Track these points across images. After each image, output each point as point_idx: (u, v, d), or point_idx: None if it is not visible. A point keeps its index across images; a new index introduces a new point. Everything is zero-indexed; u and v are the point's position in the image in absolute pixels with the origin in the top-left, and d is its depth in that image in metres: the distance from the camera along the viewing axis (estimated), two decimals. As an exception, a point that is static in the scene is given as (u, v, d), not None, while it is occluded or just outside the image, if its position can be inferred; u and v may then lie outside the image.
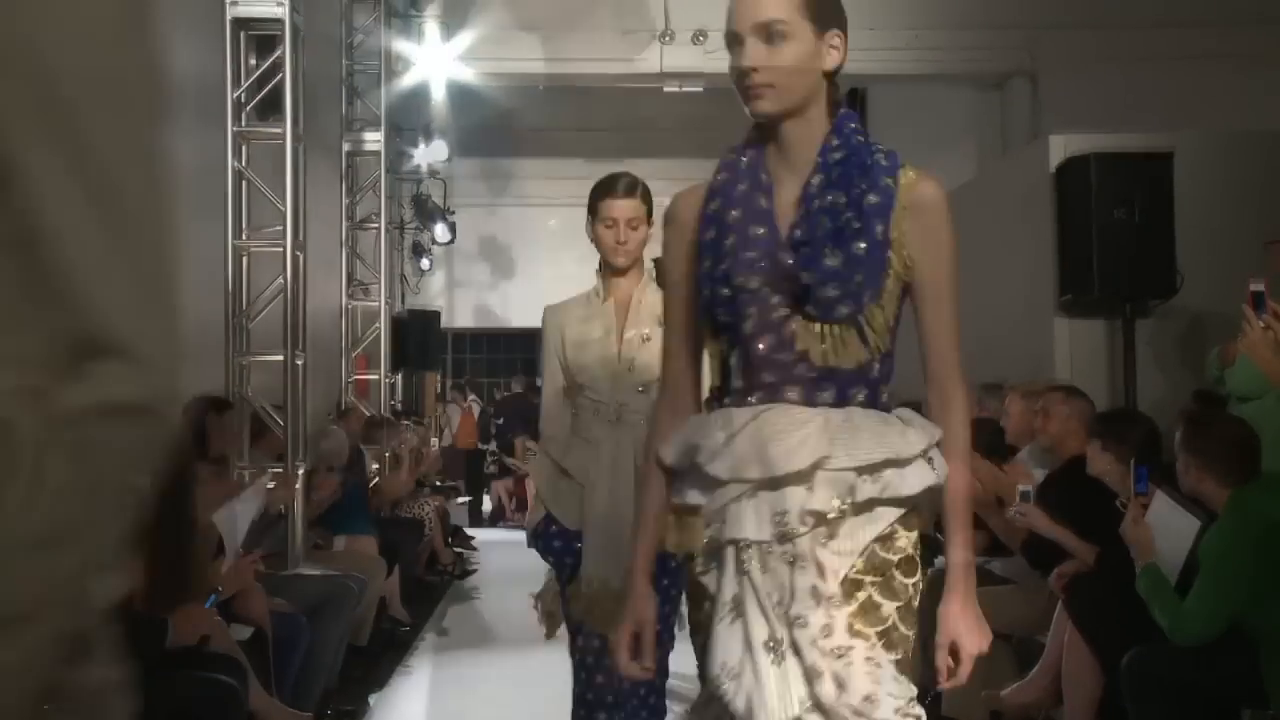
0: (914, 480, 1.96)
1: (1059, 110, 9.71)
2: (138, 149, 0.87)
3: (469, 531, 11.37)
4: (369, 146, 10.01)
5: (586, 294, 3.38)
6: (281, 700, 4.38)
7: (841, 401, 1.98)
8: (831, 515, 1.93)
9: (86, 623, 0.88)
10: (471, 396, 16.11)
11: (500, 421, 14.60)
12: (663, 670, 3.28)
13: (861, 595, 1.95)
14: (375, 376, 10.19)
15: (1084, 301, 6.32)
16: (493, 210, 16.63)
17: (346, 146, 9.91)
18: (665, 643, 3.26)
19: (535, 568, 3.56)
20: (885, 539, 1.97)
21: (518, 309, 16.15)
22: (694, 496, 2.02)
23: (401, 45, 10.55)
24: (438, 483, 10.79)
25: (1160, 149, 6.21)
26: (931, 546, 4.80)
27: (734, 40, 1.99)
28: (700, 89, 10.20)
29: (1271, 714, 3.57)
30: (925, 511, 2.04)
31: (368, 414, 8.89)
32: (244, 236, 6.06)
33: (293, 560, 5.69)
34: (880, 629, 1.95)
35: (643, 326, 3.25)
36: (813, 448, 1.92)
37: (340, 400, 9.65)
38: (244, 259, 6.08)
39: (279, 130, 5.95)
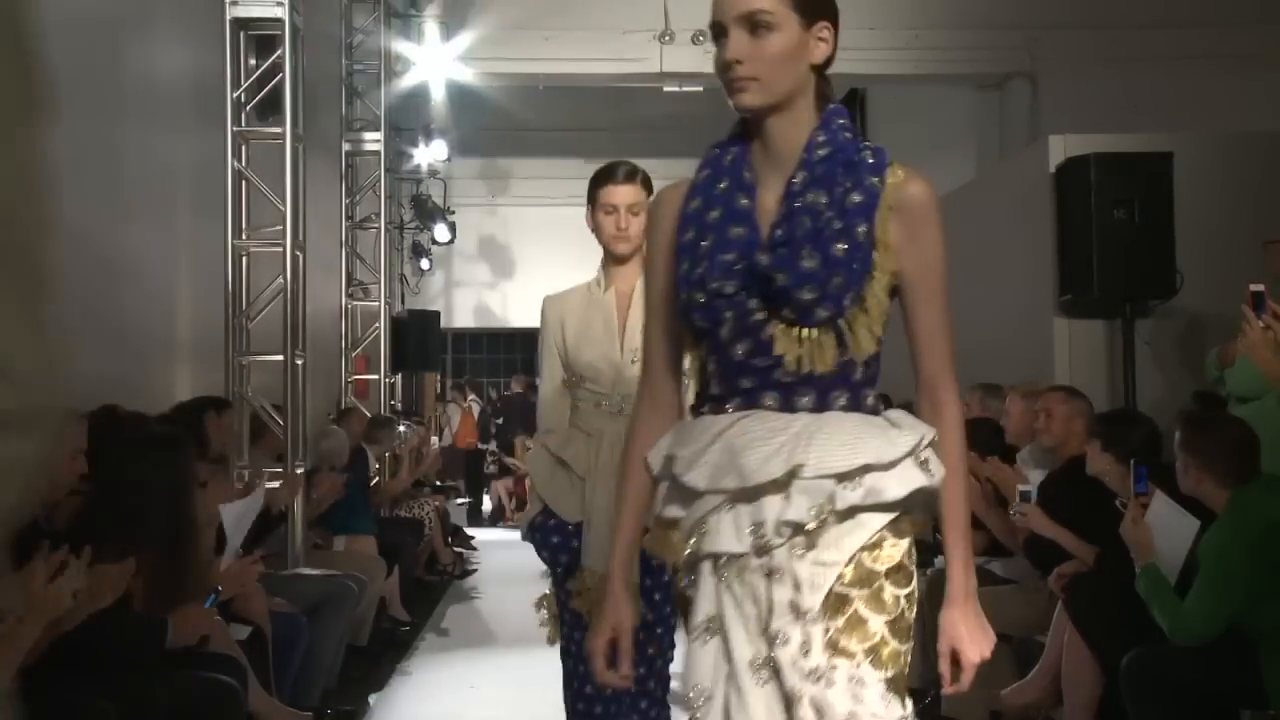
0: (899, 484, 1.87)
1: (1059, 110, 9.71)
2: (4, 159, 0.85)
3: (469, 531, 11.37)
4: (369, 146, 10.02)
5: (587, 284, 3.30)
6: (281, 700, 4.38)
7: (822, 407, 1.91)
8: (811, 525, 1.85)
9: None
10: (471, 396, 16.12)
11: (500, 421, 14.61)
12: (664, 680, 3.23)
13: (848, 610, 1.86)
14: (375, 377, 10.19)
15: (1084, 302, 6.32)
16: (492, 210, 16.63)
17: (346, 146, 9.92)
18: (666, 649, 3.23)
19: (535, 568, 3.56)
20: (873, 548, 1.87)
21: (517, 309, 16.16)
22: (673, 509, 1.96)
23: (401, 45, 10.55)
24: (438, 483, 10.78)
25: (1160, 149, 6.21)
26: (932, 548, 4.78)
27: (717, 31, 1.93)
28: (700, 89, 10.20)
29: (1271, 714, 3.58)
30: (920, 516, 1.95)
31: (368, 415, 8.88)
32: (244, 236, 6.06)
33: (293, 560, 5.70)
34: (868, 645, 1.85)
35: (645, 317, 3.20)
36: (786, 456, 1.84)
37: (340, 400, 9.65)
38: (244, 259, 6.09)
39: (279, 130, 5.95)
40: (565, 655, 3.30)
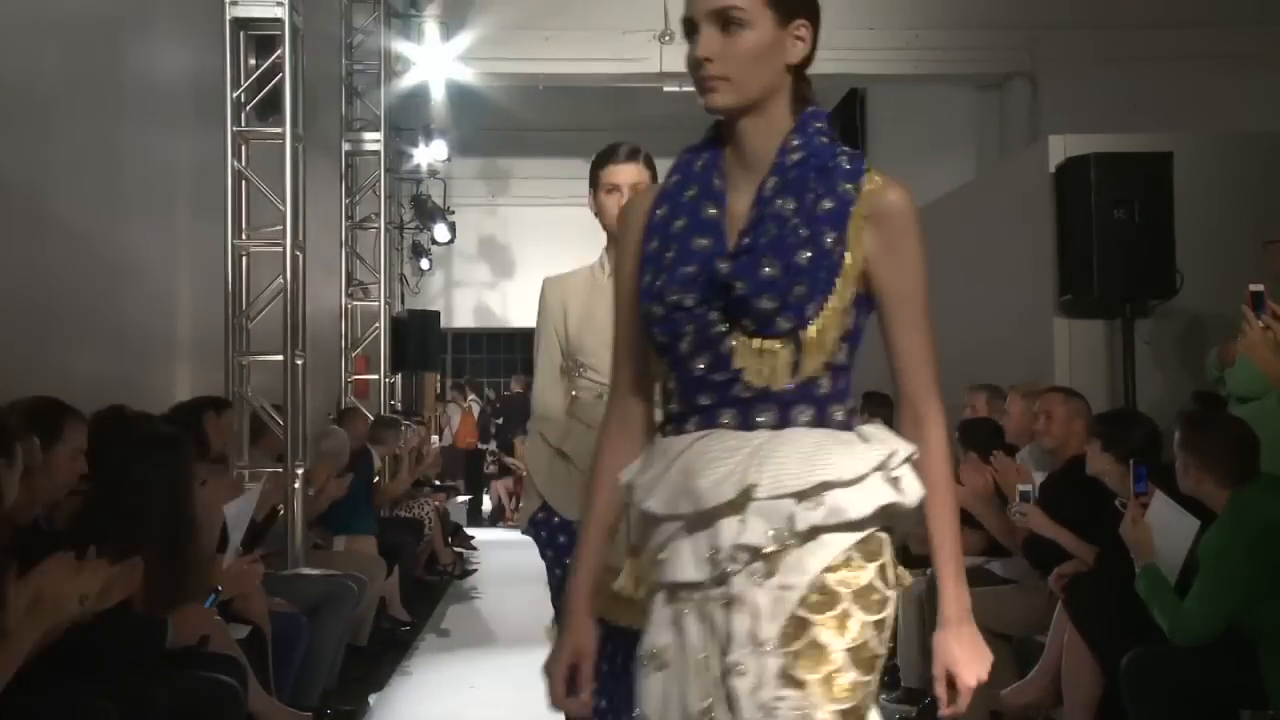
0: (864, 501, 1.76)
1: (1059, 110, 9.72)
2: None
3: (469, 531, 11.38)
4: (369, 146, 10.03)
5: (590, 267, 3.20)
6: (281, 700, 4.38)
7: (783, 423, 1.79)
8: (769, 549, 1.74)
9: None
10: (471, 396, 16.12)
11: (500, 421, 14.62)
12: None
13: (805, 635, 1.74)
14: (375, 377, 10.20)
15: (1084, 301, 6.32)
16: (492, 210, 16.64)
17: (346, 146, 9.92)
18: None
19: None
20: (837, 568, 1.76)
21: (517, 309, 16.16)
22: (638, 538, 1.88)
23: (401, 45, 10.56)
24: (437, 482, 10.79)
25: (1160, 149, 6.21)
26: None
27: (689, 27, 1.84)
28: (700, 89, 10.19)
29: (1271, 714, 3.57)
30: (895, 534, 1.84)
31: (369, 416, 8.88)
32: (244, 236, 6.06)
33: (293, 560, 5.70)
34: (823, 674, 1.72)
35: (614, 330, 3.06)
36: (739, 476, 1.74)
37: (340, 400, 9.66)
38: (244, 259, 6.09)
39: (279, 130, 5.95)
40: None
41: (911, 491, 1.80)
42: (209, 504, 4.21)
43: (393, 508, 8.22)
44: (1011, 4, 10.41)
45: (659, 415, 1.98)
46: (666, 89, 10.52)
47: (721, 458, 1.77)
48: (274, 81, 6.00)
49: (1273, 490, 3.62)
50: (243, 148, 6.06)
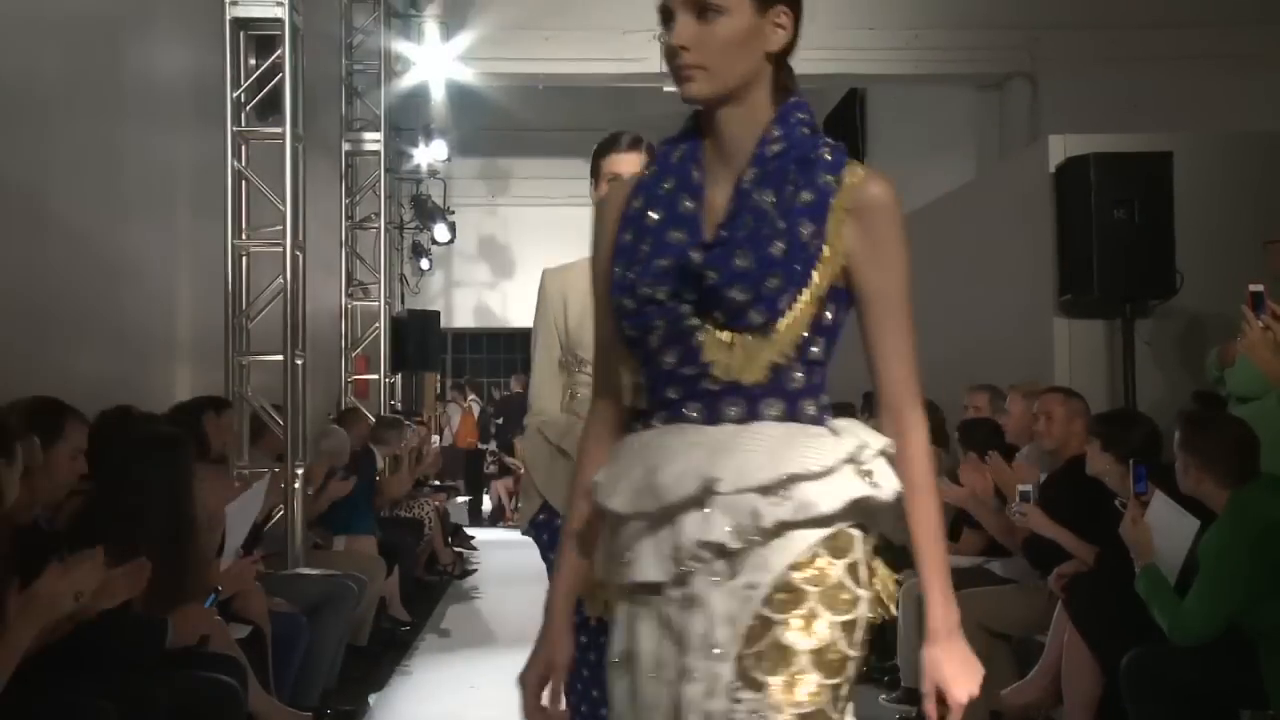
0: (834, 495, 1.68)
1: (1059, 110, 9.72)
2: None
3: (469, 531, 11.38)
4: (369, 146, 10.03)
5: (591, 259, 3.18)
6: (281, 700, 4.38)
7: (751, 417, 1.73)
8: (734, 546, 1.67)
9: None
10: (471, 396, 16.13)
11: (500, 421, 14.62)
12: None
13: (767, 636, 1.67)
14: (375, 377, 10.20)
15: (1084, 301, 6.32)
16: (492, 210, 16.65)
17: (346, 146, 9.93)
18: None
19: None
20: (803, 566, 1.68)
21: (517, 309, 16.17)
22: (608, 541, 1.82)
23: (401, 45, 10.57)
24: (437, 483, 10.79)
25: (1160, 149, 6.21)
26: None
27: (665, 14, 1.78)
28: (700, 89, 10.19)
29: (1271, 714, 3.58)
30: (870, 531, 1.76)
31: (370, 416, 8.88)
32: (244, 236, 6.06)
33: (293, 560, 5.70)
34: (785, 677, 1.65)
35: (594, 327, 2.96)
36: (698, 470, 1.68)
37: (340, 400, 9.66)
38: (244, 259, 6.09)
39: (279, 130, 5.95)
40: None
41: (886, 485, 1.72)
42: (209, 504, 4.21)
43: (393, 508, 8.22)
44: (1011, 4, 10.41)
45: None
46: (666, 89, 10.47)
47: (684, 452, 1.71)
48: (274, 81, 6.00)
49: (1273, 490, 3.62)
50: (243, 148, 6.06)
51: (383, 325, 10.16)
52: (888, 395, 1.81)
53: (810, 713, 1.66)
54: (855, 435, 1.73)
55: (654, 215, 1.80)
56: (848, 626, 1.69)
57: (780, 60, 1.81)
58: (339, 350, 9.82)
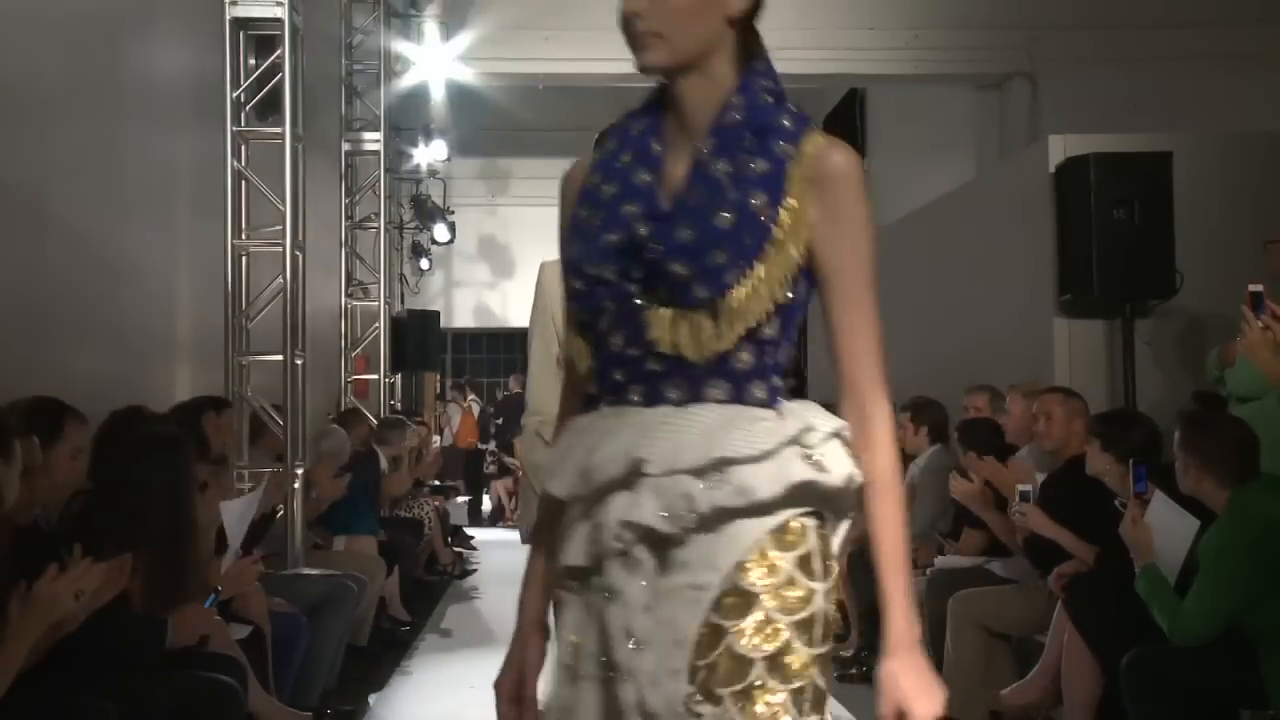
0: (772, 480, 1.58)
1: (1059, 110, 9.71)
2: None
3: (469, 531, 11.38)
4: (369, 146, 10.03)
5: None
6: (281, 700, 4.38)
7: (693, 399, 1.63)
8: (666, 530, 1.58)
9: None
10: (471, 396, 16.14)
11: (500, 421, 14.62)
12: None
13: (721, 645, 1.57)
14: (375, 377, 10.20)
15: (1084, 301, 6.32)
16: (492, 210, 16.65)
17: (346, 146, 9.93)
18: None
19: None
20: (750, 567, 1.58)
21: (517, 309, 16.15)
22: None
23: (401, 45, 10.57)
24: (437, 482, 10.79)
25: (1160, 149, 6.21)
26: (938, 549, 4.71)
27: None
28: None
29: (1271, 714, 3.58)
30: (827, 520, 1.65)
31: (370, 416, 8.88)
32: (244, 236, 6.06)
33: (293, 560, 5.69)
34: (740, 687, 1.56)
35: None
36: (626, 451, 1.59)
37: (340, 400, 9.66)
38: (244, 259, 6.09)
39: (279, 130, 5.95)
40: None
41: (836, 469, 1.61)
42: (209, 505, 4.21)
43: (393, 508, 8.23)
44: (1011, 4, 10.41)
45: None
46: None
47: (618, 434, 1.62)
48: (274, 81, 6.00)
49: (1273, 490, 3.62)
50: (242, 148, 6.06)
51: (383, 325, 10.16)
52: (848, 379, 1.69)
53: None
54: (801, 417, 1.63)
55: (608, 189, 1.71)
56: (803, 625, 1.59)
57: (745, 24, 1.71)
58: (339, 350, 9.82)
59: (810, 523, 1.62)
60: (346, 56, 9.93)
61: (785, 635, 1.57)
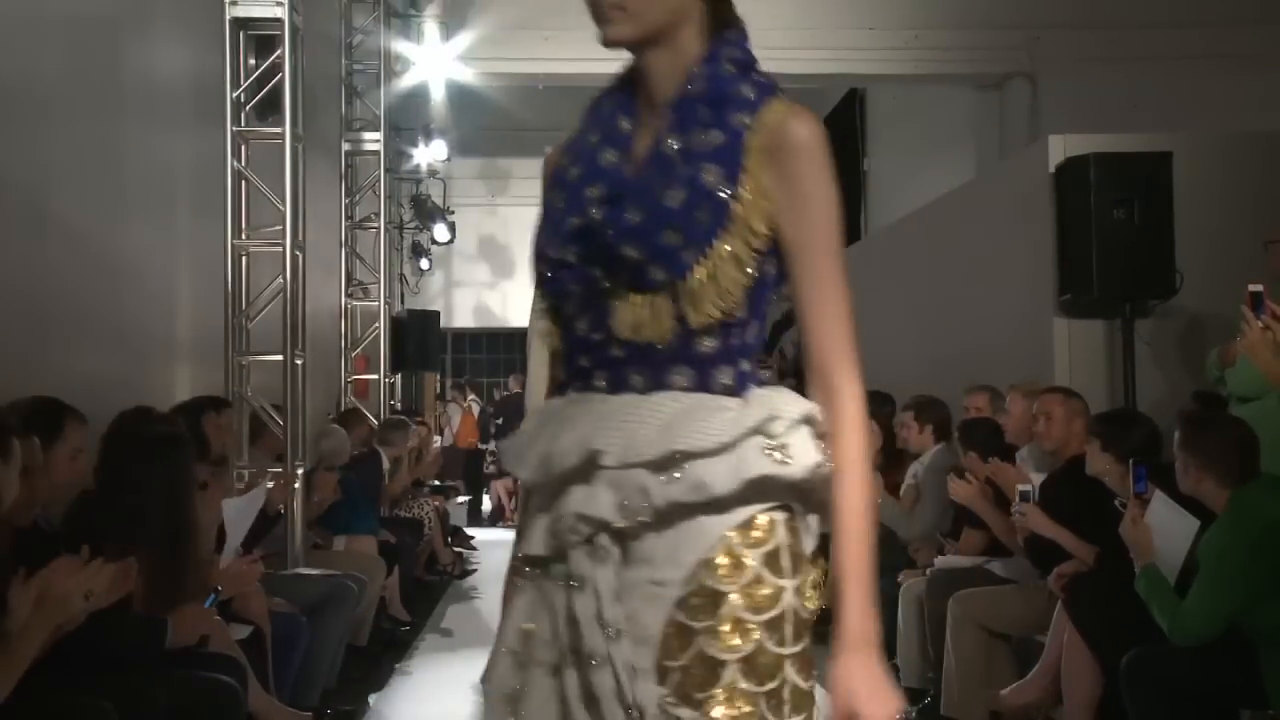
0: (729, 474, 1.51)
1: (1059, 110, 9.72)
2: None
3: (469, 531, 11.38)
4: (368, 146, 10.04)
5: None
6: (281, 700, 4.38)
7: (656, 386, 1.58)
8: (619, 524, 1.53)
9: None
10: (471, 396, 16.14)
11: (500, 421, 14.62)
12: None
13: (692, 648, 1.52)
14: (375, 377, 10.20)
15: (1083, 301, 6.32)
16: (492, 210, 16.65)
17: (346, 146, 9.93)
18: None
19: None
20: (716, 566, 1.53)
21: (517, 309, 16.17)
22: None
23: (401, 45, 10.57)
24: (437, 482, 10.80)
25: (1159, 149, 6.21)
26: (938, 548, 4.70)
27: None
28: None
29: (1271, 714, 3.58)
30: (798, 512, 1.59)
31: (370, 416, 8.89)
32: (244, 236, 6.06)
33: (292, 560, 5.70)
34: (715, 689, 1.51)
35: None
36: (583, 442, 1.55)
37: (340, 400, 9.66)
38: (243, 259, 6.09)
39: (278, 130, 5.95)
40: None
41: (799, 459, 1.54)
42: (209, 505, 4.21)
43: (393, 507, 8.23)
44: (1011, 4, 10.41)
45: None
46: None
47: (579, 422, 1.58)
48: (274, 81, 6.00)
49: (1273, 490, 3.62)
50: (242, 148, 6.06)
51: (382, 325, 10.16)
52: (814, 358, 1.61)
53: None
54: (767, 405, 1.56)
55: (574, 171, 1.66)
56: (774, 624, 1.53)
57: None
58: (339, 350, 9.82)
59: (779, 516, 1.56)
60: (346, 56, 9.93)
61: (756, 636, 1.52)
